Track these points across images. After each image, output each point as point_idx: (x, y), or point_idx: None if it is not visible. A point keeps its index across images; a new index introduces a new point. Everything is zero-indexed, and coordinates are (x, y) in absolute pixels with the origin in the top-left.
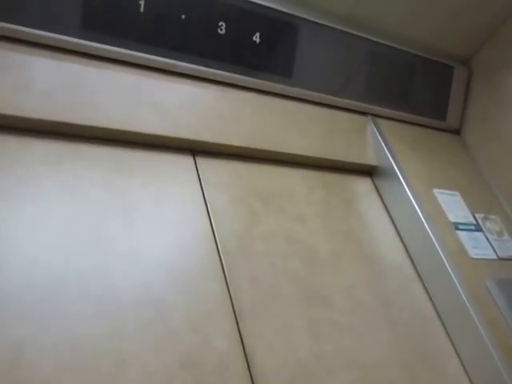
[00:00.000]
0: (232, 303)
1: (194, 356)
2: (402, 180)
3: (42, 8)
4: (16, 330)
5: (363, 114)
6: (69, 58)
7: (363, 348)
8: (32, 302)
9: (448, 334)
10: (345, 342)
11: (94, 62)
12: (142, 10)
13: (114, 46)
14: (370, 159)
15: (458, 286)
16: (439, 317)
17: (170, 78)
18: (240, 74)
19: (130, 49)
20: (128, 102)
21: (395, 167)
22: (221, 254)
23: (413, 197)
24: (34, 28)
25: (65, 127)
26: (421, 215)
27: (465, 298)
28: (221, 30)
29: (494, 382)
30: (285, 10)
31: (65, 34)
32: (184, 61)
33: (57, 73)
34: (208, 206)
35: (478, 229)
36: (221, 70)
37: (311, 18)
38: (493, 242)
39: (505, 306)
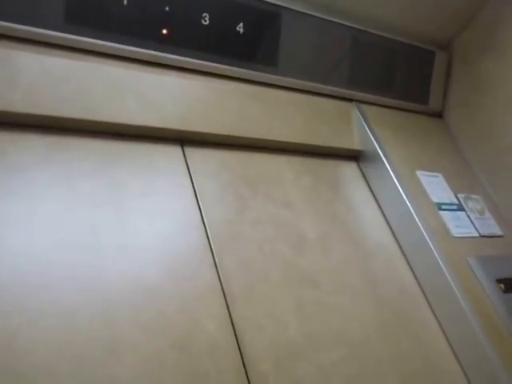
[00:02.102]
0: (222, 287)
1: (185, 338)
2: (387, 163)
3: (25, 2)
4: (10, 318)
5: (348, 100)
6: (53, 52)
7: (350, 326)
8: (24, 292)
9: (432, 309)
10: (332, 321)
11: (80, 56)
12: (125, 2)
13: (98, 39)
14: (355, 144)
15: (441, 263)
16: (424, 293)
17: (155, 69)
18: (225, 64)
19: (115, 41)
20: (115, 95)
21: (380, 151)
22: (210, 240)
23: (397, 179)
24: (18, 23)
25: (52, 121)
26: (405, 197)
27: (447, 275)
28: (205, 21)
29: (476, 353)
30: (268, 0)
31: (48, 29)
32: (169, 52)
33: (42, 67)
34: (197, 194)
35: (461, 208)
36: (206, 60)
37: (294, 7)
38: (474, 221)
39: (485, 281)
